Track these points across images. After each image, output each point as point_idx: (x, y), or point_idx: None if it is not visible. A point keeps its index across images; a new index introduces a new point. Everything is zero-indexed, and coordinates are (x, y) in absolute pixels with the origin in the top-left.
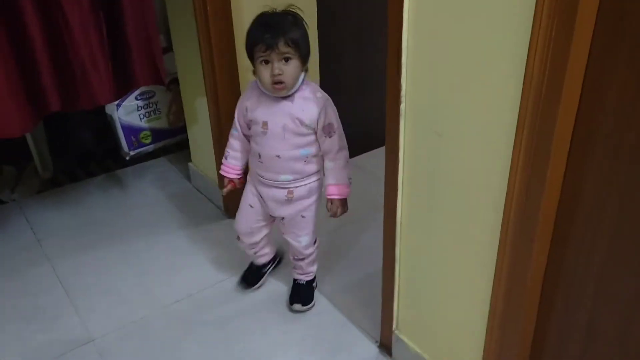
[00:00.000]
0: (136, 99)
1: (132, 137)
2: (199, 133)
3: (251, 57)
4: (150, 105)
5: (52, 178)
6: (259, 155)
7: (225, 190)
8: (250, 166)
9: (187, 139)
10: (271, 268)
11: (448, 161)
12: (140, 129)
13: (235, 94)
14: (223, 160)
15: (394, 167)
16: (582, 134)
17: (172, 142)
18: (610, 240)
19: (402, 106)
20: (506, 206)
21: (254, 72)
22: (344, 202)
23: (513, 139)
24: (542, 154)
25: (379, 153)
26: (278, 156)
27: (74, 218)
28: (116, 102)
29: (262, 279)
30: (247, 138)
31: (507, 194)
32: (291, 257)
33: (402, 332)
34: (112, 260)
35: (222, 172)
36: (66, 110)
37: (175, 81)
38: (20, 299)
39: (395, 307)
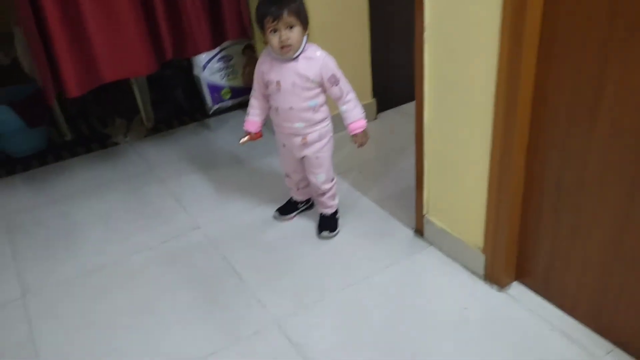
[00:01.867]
0: (218, 61)
1: (216, 94)
2: None
3: (262, 28)
4: (229, 67)
5: (154, 127)
6: (277, 109)
7: (243, 140)
8: (272, 120)
9: None
10: (304, 207)
11: (457, 71)
12: (222, 87)
13: None
14: (246, 117)
15: (421, 80)
16: (547, 36)
17: (247, 99)
18: (580, 130)
19: (426, 34)
20: (496, 99)
21: (265, 42)
22: (364, 133)
23: (499, 48)
24: (516, 55)
25: None
26: (291, 108)
27: (177, 153)
28: (202, 65)
29: (296, 212)
30: (265, 97)
31: (495, 89)
32: (315, 196)
33: (430, 215)
34: (206, 180)
35: (245, 127)
36: (177, 57)
37: (249, 47)
38: (144, 206)
39: (425, 196)
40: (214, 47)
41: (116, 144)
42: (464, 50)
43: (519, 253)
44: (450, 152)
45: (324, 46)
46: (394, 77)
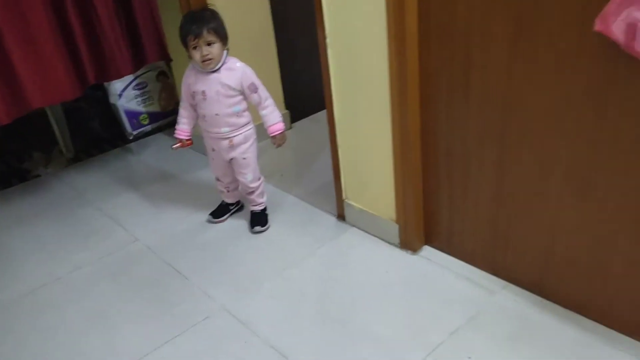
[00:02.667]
0: (133, 89)
1: (134, 120)
2: None
3: (185, 45)
4: (145, 94)
5: (74, 157)
6: (204, 116)
7: (175, 146)
8: (200, 127)
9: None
10: (235, 209)
11: (356, 69)
12: (140, 113)
13: None
14: (176, 126)
15: (328, 82)
16: (424, 31)
17: (165, 122)
18: (464, 98)
19: (328, 40)
20: (390, 87)
21: (189, 56)
22: (282, 135)
23: (387, 45)
24: (401, 50)
25: None
26: (217, 114)
27: (103, 177)
28: (118, 93)
29: (228, 214)
30: (193, 107)
31: (389, 79)
32: (244, 195)
33: (349, 199)
34: (138, 197)
35: (176, 135)
36: (99, 81)
37: (163, 73)
38: (78, 228)
39: (343, 183)
40: (135, 70)
41: (38, 176)
42: (359, 50)
43: (425, 219)
44: (359, 141)
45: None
46: (303, 89)
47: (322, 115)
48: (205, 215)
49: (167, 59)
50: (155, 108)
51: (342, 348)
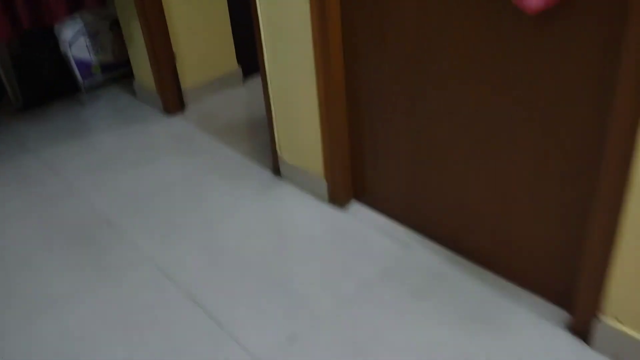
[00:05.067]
0: (84, 37)
1: (85, 69)
2: (138, 53)
3: None
4: (97, 43)
5: (23, 106)
6: None
7: None
8: None
9: (131, 71)
10: None
11: (282, 19)
12: (91, 63)
13: (161, 18)
14: None
15: (259, 33)
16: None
17: (119, 73)
18: (384, 54)
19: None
20: (313, 38)
21: None
22: None
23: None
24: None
25: None
26: None
27: (48, 127)
28: (67, 40)
29: None
30: None
31: (311, 29)
32: None
33: (282, 154)
34: (82, 146)
35: None
36: (34, 25)
37: (116, 23)
38: (13, 174)
39: (277, 138)
40: (69, 14)
41: None
42: (284, 5)
43: (353, 175)
44: (288, 94)
45: (186, 19)
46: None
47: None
48: (147, 166)
49: (103, 5)
50: (108, 58)
51: (257, 299)
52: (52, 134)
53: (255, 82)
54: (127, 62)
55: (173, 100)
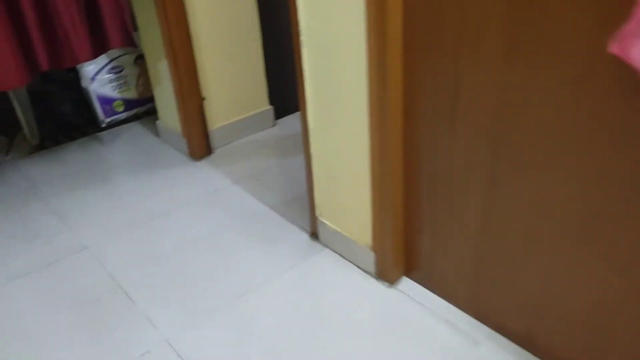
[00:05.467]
0: (108, 73)
1: (107, 106)
2: (164, 93)
3: None
4: (121, 78)
5: (39, 144)
6: None
7: None
8: None
9: (155, 107)
10: None
11: (333, 74)
12: (113, 99)
13: (190, 54)
14: None
15: (302, 84)
16: (409, 40)
17: (142, 110)
18: (451, 122)
19: (302, 37)
20: (369, 101)
21: None
22: None
23: (366, 52)
24: (382, 58)
25: None
26: None
27: (63, 170)
28: (90, 76)
29: None
30: None
31: (368, 91)
32: None
33: (323, 217)
34: (97, 194)
35: None
36: (54, 67)
37: (141, 57)
38: (24, 226)
39: (317, 198)
40: (95, 56)
41: None
42: (337, 54)
43: (405, 248)
44: (335, 153)
45: (217, 58)
46: (290, 83)
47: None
48: (168, 218)
49: (132, 46)
50: (131, 94)
51: None
52: (67, 178)
53: (288, 122)
54: (151, 98)
55: (199, 144)
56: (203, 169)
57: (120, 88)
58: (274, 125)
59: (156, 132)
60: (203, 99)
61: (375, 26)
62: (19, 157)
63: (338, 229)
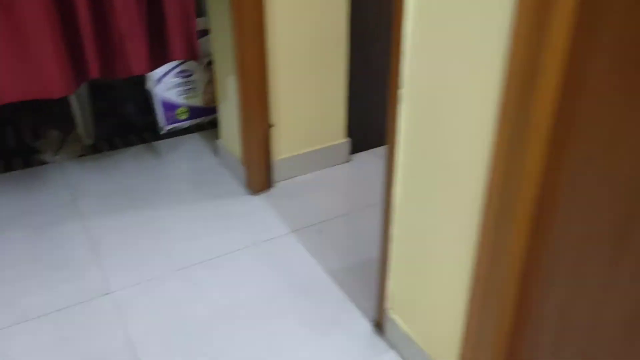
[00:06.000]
0: (175, 76)
1: (170, 113)
2: (228, 110)
3: None
4: (188, 83)
5: (93, 144)
6: None
7: None
8: None
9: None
10: None
11: (439, 144)
12: (178, 105)
13: (263, 74)
14: None
15: (393, 145)
16: (562, 128)
17: (206, 121)
18: (580, 238)
19: (402, 91)
20: (487, 195)
21: None
22: None
23: (493, 132)
24: (519, 146)
25: None
26: None
27: (109, 182)
28: (157, 78)
29: None
30: None
31: (488, 184)
32: None
33: (394, 312)
34: (139, 222)
35: None
36: (104, 77)
37: (212, 62)
38: (51, 250)
39: (390, 288)
40: (151, 69)
41: (43, 162)
42: (448, 116)
43: None
44: (423, 242)
45: (294, 79)
46: (373, 115)
47: (384, 150)
48: (209, 270)
49: (195, 59)
50: (197, 102)
51: None
52: (110, 195)
53: (364, 160)
54: (215, 109)
55: (259, 175)
56: (259, 206)
57: (186, 94)
58: (347, 161)
59: (216, 149)
60: (271, 126)
61: (517, 96)
62: (69, 159)
63: (411, 334)
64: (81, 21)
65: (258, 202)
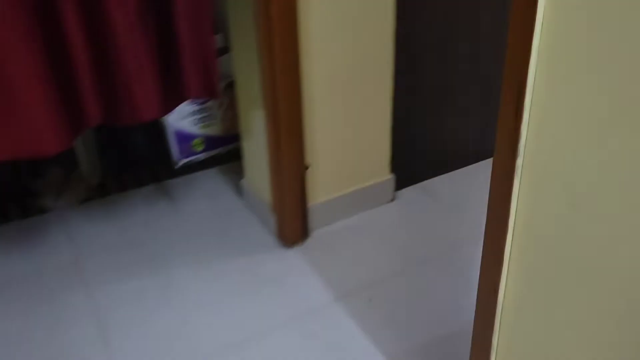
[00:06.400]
0: (190, 102)
1: (185, 144)
2: (254, 147)
3: None
4: (205, 110)
5: (99, 184)
6: None
7: None
8: None
9: (240, 149)
10: None
11: (581, 242)
12: (193, 136)
13: (297, 107)
14: None
15: (500, 237)
16: None
17: (225, 150)
18: None
19: (519, 161)
20: None
21: None
22: None
23: None
24: None
25: (457, 177)
26: None
27: (118, 235)
28: None
29: None
30: None
31: None
32: None
33: None
34: (153, 291)
35: None
36: (107, 124)
37: (232, 85)
38: (51, 328)
39: None
40: (163, 114)
41: (43, 210)
42: (604, 219)
43: None
44: (546, 348)
45: (333, 112)
46: (416, 146)
47: (435, 183)
48: (237, 357)
49: (215, 97)
50: (215, 130)
51: None
52: (119, 253)
53: (410, 197)
54: (238, 136)
55: (293, 224)
56: (294, 264)
57: (202, 122)
58: (392, 199)
59: (238, 189)
60: (307, 167)
61: None
62: (72, 204)
63: None
64: (76, 61)
65: (293, 258)
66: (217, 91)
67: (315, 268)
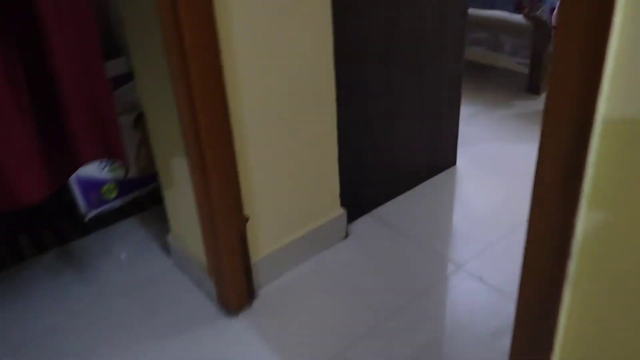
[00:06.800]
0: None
1: (93, 193)
2: (178, 198)
3: None
4: None
5: None
6: None
7: None
8: None
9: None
10: None
11: None
12: (102, 182)
13: (226, 149)
14: None
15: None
16: None
17: (145, 192)
18: None
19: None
20: None
21: None
22: None
23: None
24: None
25: (409, 199)
26: None
27: (17, 326)
28: None
29: None
30: None
31: None
32: None
33: None
34: None
35: None
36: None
37: (142, 116)
38: None
39: None
40: (52, 190)
41: None
42: None
43: None
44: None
45: (273, 143)
46: (363, 174)
47: (385, 210)
48: None
49: (118, 157)
50: (129, 173)
51: None
52: (22, 350)
53: (363, 230)
54: (153, 178)
55: (235, 287)
56: (242, 338)
57: (112, 164)
58: (346, 236)
59: (165, 245)
60: (246, 219)
61: None
62: None
63: None
64: None
65: (239, 328)
66: (121, 150)
67: (267, 339)
